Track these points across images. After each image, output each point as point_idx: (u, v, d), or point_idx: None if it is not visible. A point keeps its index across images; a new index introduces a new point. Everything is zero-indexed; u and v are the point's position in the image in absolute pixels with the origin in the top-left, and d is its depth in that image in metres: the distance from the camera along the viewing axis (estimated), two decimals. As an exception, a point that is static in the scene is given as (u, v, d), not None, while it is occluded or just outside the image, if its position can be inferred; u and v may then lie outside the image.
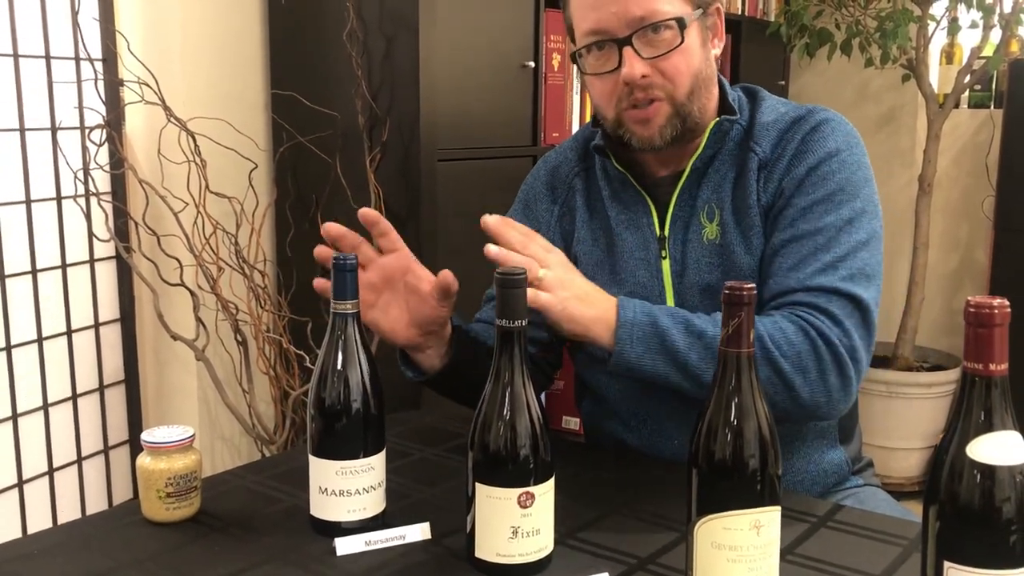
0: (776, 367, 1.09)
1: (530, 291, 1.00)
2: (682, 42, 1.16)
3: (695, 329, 1.10)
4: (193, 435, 1.04)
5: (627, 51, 1.16)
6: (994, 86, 3.30)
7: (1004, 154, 2.96)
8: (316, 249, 1.11)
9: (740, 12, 3.23)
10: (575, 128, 2.47)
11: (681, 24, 1.16)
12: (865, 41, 2.99)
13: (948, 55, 3.32)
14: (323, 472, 0.99)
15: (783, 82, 3.50)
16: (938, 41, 3.22)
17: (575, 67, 1.34)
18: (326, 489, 0.99)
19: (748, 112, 1.26)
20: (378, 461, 1.00)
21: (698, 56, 1.20)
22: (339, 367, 0.98)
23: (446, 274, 1.11)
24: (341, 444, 0.98)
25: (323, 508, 0.99)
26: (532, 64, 2.28)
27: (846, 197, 1.17)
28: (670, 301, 1.24)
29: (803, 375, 1.10)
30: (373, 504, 1.00)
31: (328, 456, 0.98)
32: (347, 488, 0.98)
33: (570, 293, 1.09)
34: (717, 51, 1.25)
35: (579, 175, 1.33)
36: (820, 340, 1.10)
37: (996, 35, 2.94)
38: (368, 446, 0.99)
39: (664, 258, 1.25)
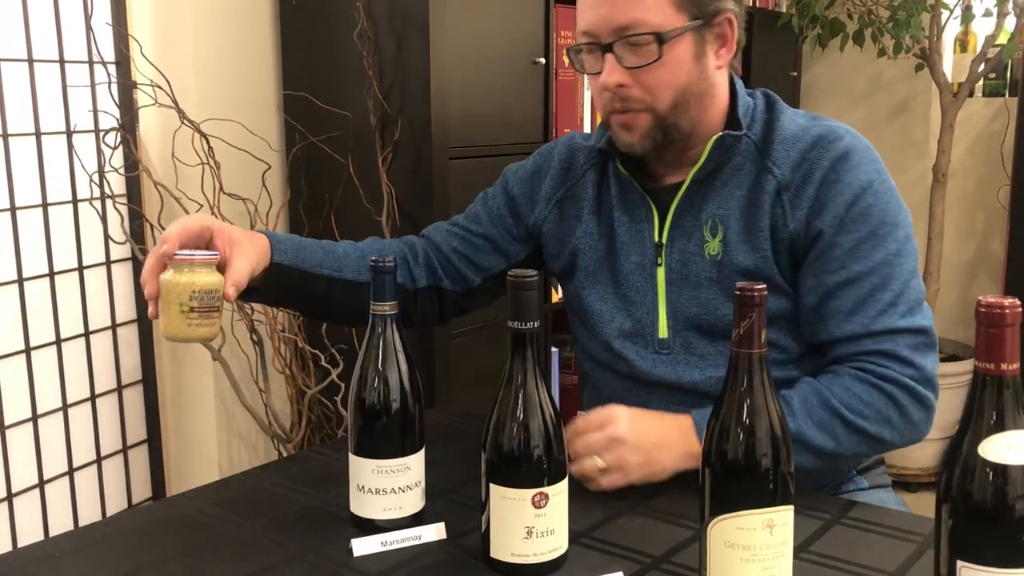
0: (863, 432, 1.13)
1: (598, 483, 1.09)
2: (660, 57, 1.14)
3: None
4: (218, 256, 1.04)
5: (608, 58, 1.16)
6: (1008, 74, 3.27)
7: (1019, 143, 2.93)
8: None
9: (752, 3, 3.22)
10: (587, 124, 2.47)
11: (660, 39, 1.14)
12: (877, 31, 2.97)
13: (962, 43, 3.29)
14: (361, 470, 1.00)
15: (795, 73, 3.48)
16: (951, 30, 3.20)
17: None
18: (363, 487, 1.00)
19: (763, 124, 1.23)
20: (416, 461, 1.01)
21: (686, 69, 1.17)
22: (379, 367, 0.99)
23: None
24: (380, 443, 0.99)
25: (361, 505, 1.01)
26: (543, 60, 2.28)
27: (889, 229, 1.17)
28: (662, 308, 1.24)
29: (889, 426, 1.14)
30: (410, 503, 1.01)
31: (367, 455, 1.00)
32: (384, 487, 1.00)
33: (641, 457, 1.09)
34: (721, 62, 1.20)
35: (595, 167, 1.33)
36: (895, 388, 1.13)
37: (1010, 23, 2.91)
38: (406, 446, 1.00)
39: (659, 265, 1.24)
